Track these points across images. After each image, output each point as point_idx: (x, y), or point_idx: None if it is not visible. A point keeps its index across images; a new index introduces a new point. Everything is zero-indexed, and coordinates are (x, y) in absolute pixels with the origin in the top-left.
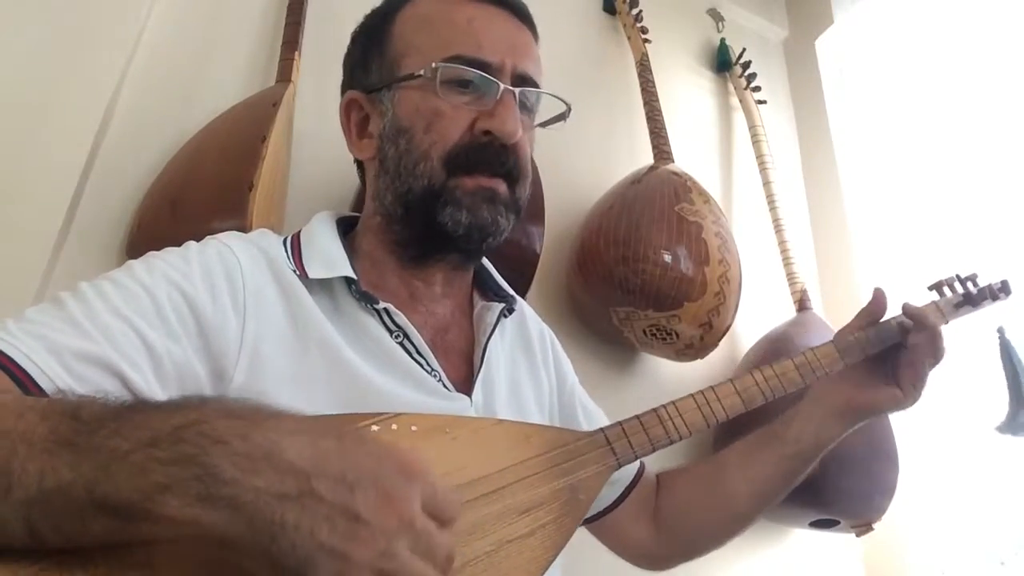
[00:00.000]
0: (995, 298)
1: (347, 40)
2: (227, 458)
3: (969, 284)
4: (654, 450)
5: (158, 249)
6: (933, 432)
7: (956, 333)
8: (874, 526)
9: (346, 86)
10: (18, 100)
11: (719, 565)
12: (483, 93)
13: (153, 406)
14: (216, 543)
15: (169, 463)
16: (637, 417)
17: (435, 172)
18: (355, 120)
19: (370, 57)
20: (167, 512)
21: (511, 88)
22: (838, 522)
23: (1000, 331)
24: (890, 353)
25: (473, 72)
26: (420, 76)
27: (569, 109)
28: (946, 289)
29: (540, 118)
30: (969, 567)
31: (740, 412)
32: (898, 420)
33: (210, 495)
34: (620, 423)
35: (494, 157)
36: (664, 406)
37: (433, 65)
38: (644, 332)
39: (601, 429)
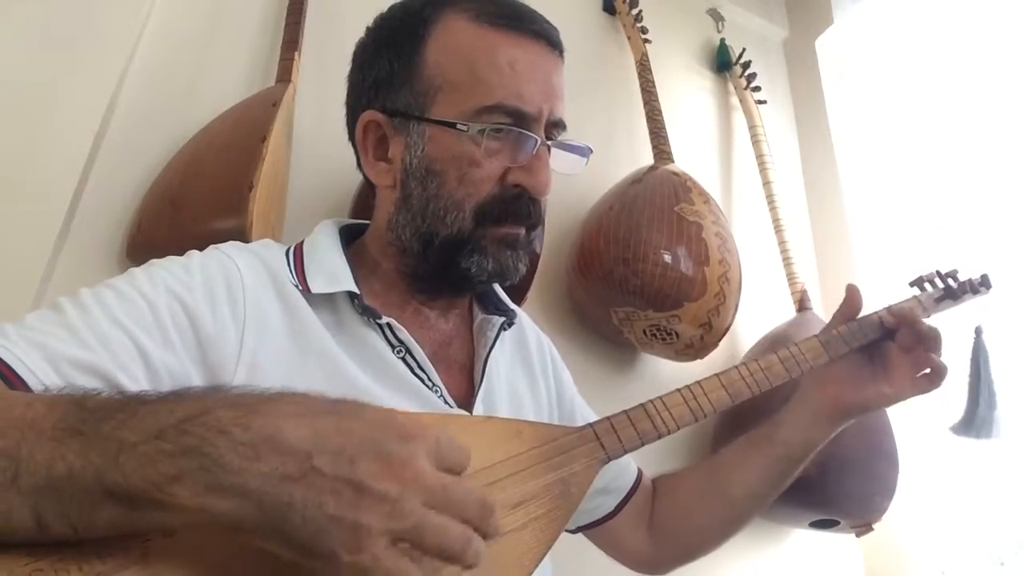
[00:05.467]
0: (976, 292)
1: (347, 40)
2: (231, 447)
3: (950, 279)
4: (643, 444)
5: (158, 249)
6: (933, 432)
7: (955, 333)
8: (874, 526)
9: (364, 97)
10: (18, 100)
11: (719, 565)
12: (518, 144)
13: (157, 398)
14: (229, 529)
15: (176, 455)
16: (625, 412)
17: (465, 222)
18: (372, 140)
19: (398, 78)
20: (178, 502)
21: (547, 143)
22: (838, 522)
23: (977, 331)
24: (877, 351)
25: (513, 129)
26: (458, 127)
27: (591, 152)
28: (927, 284)
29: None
30: (969, 567)
31: (727, 406)
32: (898, 420)
33: (218, 484)
34: (608, 418)
35: (523, 209)
36: (651, 401)
37: (466, 126)
38: (644, 332)
39: (589, 424)
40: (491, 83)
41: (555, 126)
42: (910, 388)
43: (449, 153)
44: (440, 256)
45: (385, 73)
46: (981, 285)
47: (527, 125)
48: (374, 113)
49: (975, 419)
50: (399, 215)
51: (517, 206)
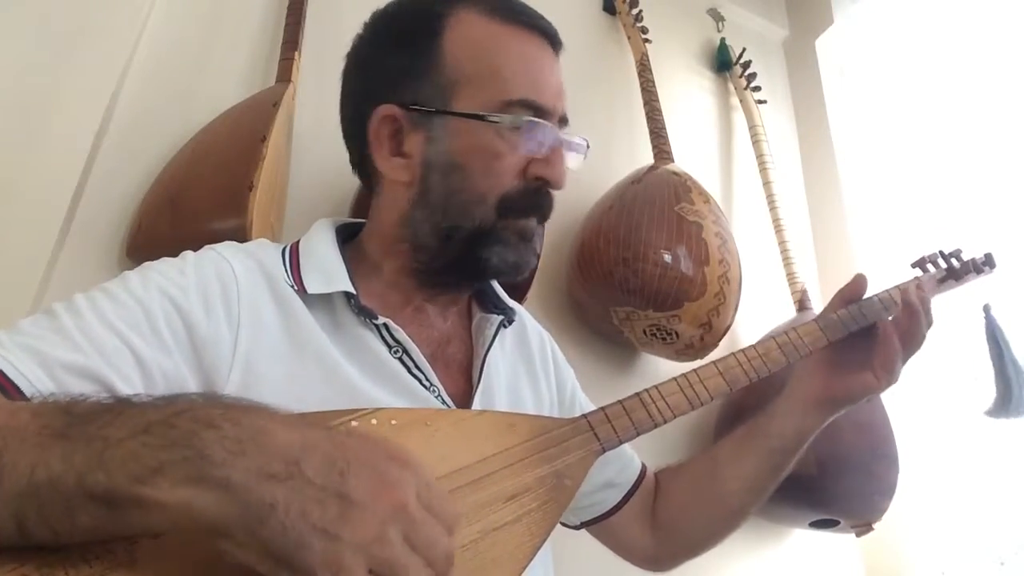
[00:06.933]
0: (979, 271)
1: (347, 40)
2: (218, 441)
3: (952, 259)
4: (638, 434)
5: (158, 249)
6: (933, 432)
7: (956, 331)
8: (874, 526)
9: (375, 92)
10: (18, 100)
11: (719, 565)
12: (538, 137)
13: (146, 400)
14: (206, 530)
15: (161, 448)
16: (620, 402)
17: (488, 214)
18: (388, 134)
19: (415, 72)
20: (158, 496)
21: (563, 138)
22: (838, 522)
23: (985, 308)
24: (866, 340)
25: (536, 122)
26: (486, 119)
27: (588, 147)
28: (929, 265)
29: None
30: (969, 567)
31: (724, 393)
32: (898, 420)
33: (201, 476)
34: (603, 408)
35: (543, 201)
36: (647, 390)
37: (497, 118)
38: (644, 332)
39: (584, 415)
40: (512, 78)
41: (562, 121)
42: (892, 374)
43: (474, 146)
44: (460, 249)
45: (400, 68)
46: (985, 264)
47: (546, 118)
48: (391, 107)
49: (1009, 397)
50: (416, 211)
51: (538, 199)
